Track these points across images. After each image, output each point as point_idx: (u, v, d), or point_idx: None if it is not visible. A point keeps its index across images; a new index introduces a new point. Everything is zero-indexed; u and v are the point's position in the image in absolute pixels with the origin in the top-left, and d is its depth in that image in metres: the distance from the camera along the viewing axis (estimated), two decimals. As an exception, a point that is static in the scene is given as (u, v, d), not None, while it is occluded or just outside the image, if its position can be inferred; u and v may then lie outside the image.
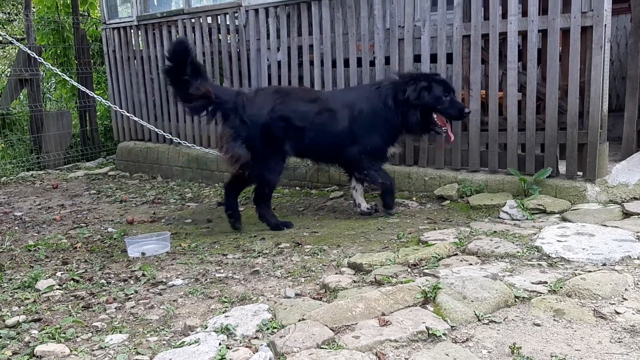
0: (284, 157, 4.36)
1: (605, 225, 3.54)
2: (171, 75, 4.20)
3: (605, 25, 4.04)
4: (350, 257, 3.41)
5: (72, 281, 3.35)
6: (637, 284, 2.66)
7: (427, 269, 3.05)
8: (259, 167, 4.20)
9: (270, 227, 4.33)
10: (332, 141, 4.36)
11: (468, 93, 4.67)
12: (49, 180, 7.14)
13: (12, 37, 7.34)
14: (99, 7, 8.84)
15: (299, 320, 2.47)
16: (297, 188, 5.71)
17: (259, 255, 3.67)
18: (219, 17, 6.26)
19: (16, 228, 4.83)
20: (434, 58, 4.87)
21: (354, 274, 3.16)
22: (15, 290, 3.22)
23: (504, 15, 4.45)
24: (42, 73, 8.88)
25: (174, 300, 2.96)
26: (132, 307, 2.91)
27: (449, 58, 4.80)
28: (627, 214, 3.81)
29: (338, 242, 3.86)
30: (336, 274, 3.19)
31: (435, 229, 3.90)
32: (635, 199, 4.15)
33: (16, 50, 9.36)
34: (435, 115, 4.27)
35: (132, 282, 3.33)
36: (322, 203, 5.03)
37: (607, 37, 4.11)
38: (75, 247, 4.13)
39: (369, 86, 4.62)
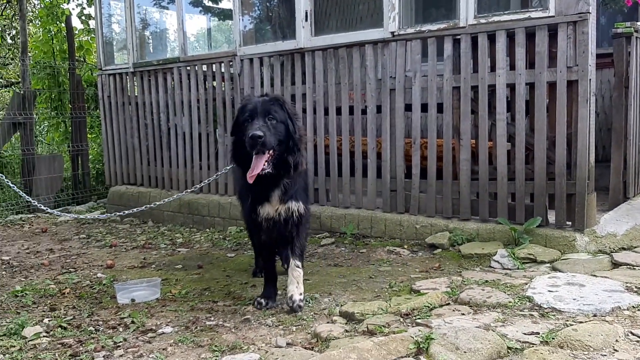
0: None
1: (595, 276, 3.56)
2: None
3: (590, 79, 4.17)
4: (341, 305, 3.39)
5: (59, 328, 3.30)
6: (627, 335, 2.67)
7: (419, 318, 3.04)
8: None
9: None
10: None
11: (458, 142, 4.75)
12: (38, 224, 7.09)
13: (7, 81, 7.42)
14: (95, 54, 8.99)
15: (291, 371, 2.44)
16: (288, 234, 5.69)
17: (249, 303, 3.65)
18: (214, 65, 6.38)
19: (3, 273, 4.76)
20: (424, 107, 4.97)
21: (346, 323, 3.13)
22: (1, 338, 3.16)
23: (493, 68, 4.57)
24: (35, 117, 8.94)
25: (163, 349, 2.92)
26: (121, 356, 2.86)
27: (440, 108, 4.90)
28: (615, 264, 3.84)
29: (329, 290, 3.84)
30: (328, 323, 3.17)
31: (427, 278, 3.90)
32: (624, 249, 4.19)
33: (10, 94, 9.45)
34: None
35: (121, 329, 3.28)
36: (313, 250, 5.02)
37: (592, 90, 4.23)
38: (64, 293, 4.07)
39: None
